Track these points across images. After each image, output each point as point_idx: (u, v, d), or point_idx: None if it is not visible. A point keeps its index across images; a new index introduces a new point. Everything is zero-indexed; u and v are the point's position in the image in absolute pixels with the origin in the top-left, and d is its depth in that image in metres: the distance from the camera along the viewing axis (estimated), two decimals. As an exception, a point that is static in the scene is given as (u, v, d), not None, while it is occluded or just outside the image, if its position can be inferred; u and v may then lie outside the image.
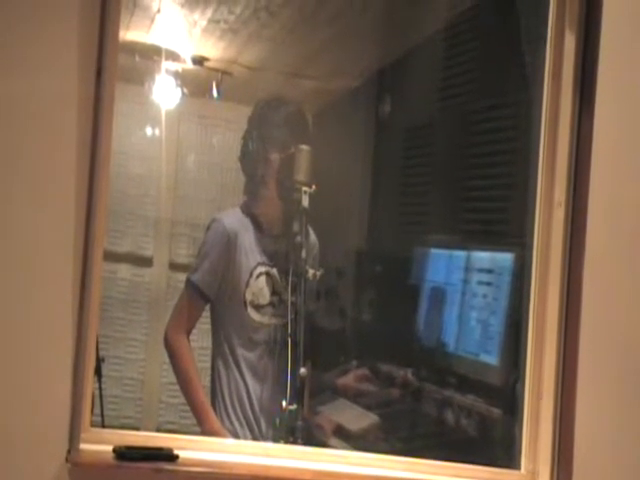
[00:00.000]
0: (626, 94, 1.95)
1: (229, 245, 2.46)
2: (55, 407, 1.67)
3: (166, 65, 3.38)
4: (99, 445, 1.70)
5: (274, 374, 2.45)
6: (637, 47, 1.95)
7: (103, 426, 2.07)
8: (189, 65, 3.49)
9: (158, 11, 3.14)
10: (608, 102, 1.92)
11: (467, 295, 2.68)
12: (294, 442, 2.13)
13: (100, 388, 2.94)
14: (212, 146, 4.03)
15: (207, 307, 2.52)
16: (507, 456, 2.03)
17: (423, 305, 2.89)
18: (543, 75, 1.99)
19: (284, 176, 2.44)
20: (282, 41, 3.41)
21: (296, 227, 2.35)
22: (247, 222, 2.51)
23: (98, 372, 2.85)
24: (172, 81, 3.44)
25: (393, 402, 2.81)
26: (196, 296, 2.47)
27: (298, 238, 2.34)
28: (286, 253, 2.41)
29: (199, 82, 3.63)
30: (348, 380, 2.77)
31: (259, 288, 2.48)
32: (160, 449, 1.71)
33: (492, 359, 2.49)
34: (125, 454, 1.68)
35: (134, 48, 3.28)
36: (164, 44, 3.31)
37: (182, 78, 3.45)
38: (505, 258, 2.51)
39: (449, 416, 2.60)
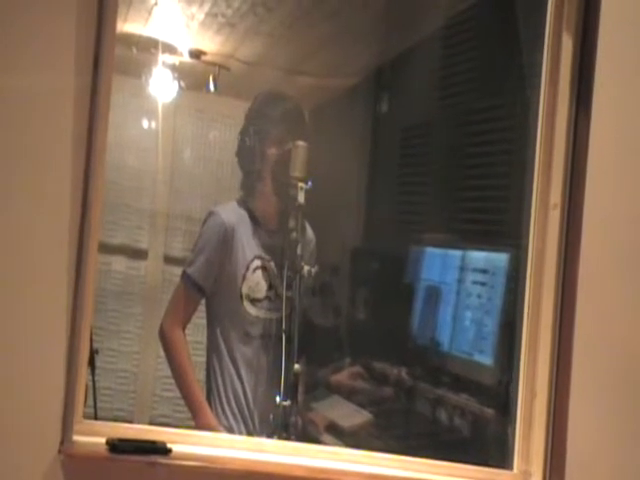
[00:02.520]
0: (623, 96, 1.95)
1: (226, 238, 2.46)
2: (48, 398, 1.66)
3: (163, 58, 3.37)
4: (92, 437, 1.69)
5: (269, 369, 2.45)
6: (634, 50, 1.96)
7: (96, 418, 2.06)
8: (186, 58, 3.49)
9: (155, 4, 3.13)
10: (605, 104, 1.92)
11: (462, 295, 2.69)
12: (288, 438, 2.13)
13: (93, 380, 2.94)
14: (208, 140, 4.02)
15: (202, 301, 2.52)
16: (500, 456, 2.03)
17: (418, 304, 2.89)
18: (540, 77, 1.99)
19: (280, 172, 2.43)
20: (280, 37, 3.41)
21: (292, 223, 2.34)
22: (244, 215, 2.50)
23: (92, 364, 2.85)
24: (169, 74, 3.44)
25: (386, 400, 2.81)
26: (192, 289, 2.46)
27: (294, 234, 2.33)
28: (282, 248, 2.41)
29: (196, 76, 3.63)
30: (342, 377, 2.78)
31: (255, 282, 2.48)
32: (153, 442, 1.71)
33: (486, 359, 2.50)
34: (118, 446, 1.67)
35: (131, 40, 3.28)
36: (161, 37, 3.31)
37: (179, 71, 3.45)
38: (500, 258, 2.52)
39: (442, 415, 2.61)
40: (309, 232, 2.53)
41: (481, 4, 2.92)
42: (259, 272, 2.49)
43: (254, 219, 2.51)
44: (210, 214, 2.51)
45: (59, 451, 1.65)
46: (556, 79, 1.96)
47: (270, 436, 2.24)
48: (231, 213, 2.50)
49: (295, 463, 1.80)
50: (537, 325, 1.94)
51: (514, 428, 1.94)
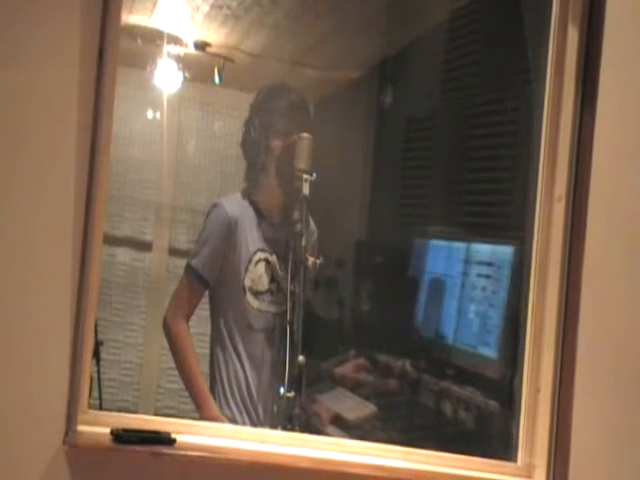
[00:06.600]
0: (628, 89, 1.95)
1: (229, 230, 2.46)
2: (53, 389, 1.66)
3: (168, 49, 3.36)
4: (97, 427, 1.70)
5: (272, 361, 2.46)
6: (640, 43, 1.96)
7: (101, 409, 2.06)
8: (191, 50, 3.48)
9: (160, -5, 3.13)
10: (610, 97, 1.92)
11: (466, 287, 2.69)
12: (291, 429, 2.14)
13: (98, 372, 2.95)
14: (213, 132, 4.02)
15: (206, 293, 2.52)
16: (504, 449, 2.03)
17: (422, 296, 2.89)
18: (546, 69, 1.99)
19: (285, 164, 2.43)
20: (285, 29, 3.40)
21: (296, 215, 2.34)
22: (248, 208, 2.50)
23: (96, 355, 2.86)
24: (174, 66, 3.43)
25: (391, 393, 2.82)
26: (196, 281, 2.46)
27: (298, 226, 2.33)
28: (286, 241, 2.41)
29: (201, 68, 3.63)
30: (346, 369, 2.78)
31: (258, 275, 2.48)
32: (158, 433, 1.71)
33: (490, 352, 2.50)
34: (123, 437, 1.67)
35: (136, 32, 3.27)
36: (166, 28, 3.30)
37: (184, 63, 3.44)
38: (505, 251, 2.51)
39: (447, 408, 2.61)
40: (311, 224, 2.53)
41: (486, -4, 2.92)
42: (262, 265, 2.49)
43: (258, 211, 2.51)
44: (214, 206, 2.52)
45: (63, 441, 1.65)
46: (561, 71, 1.96)
47: (274, 428, 2.25)
48: (235, 205, 2.51)
49: (299, 454, 1.80)
50: (542, 318, 1.94)
51: (518, 421, 1.94)
